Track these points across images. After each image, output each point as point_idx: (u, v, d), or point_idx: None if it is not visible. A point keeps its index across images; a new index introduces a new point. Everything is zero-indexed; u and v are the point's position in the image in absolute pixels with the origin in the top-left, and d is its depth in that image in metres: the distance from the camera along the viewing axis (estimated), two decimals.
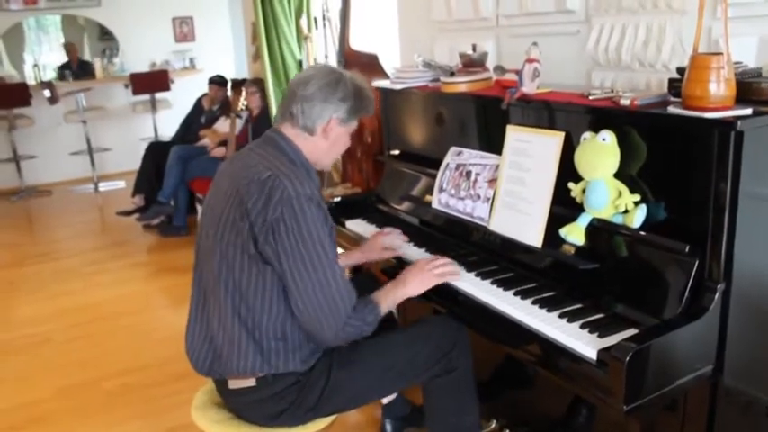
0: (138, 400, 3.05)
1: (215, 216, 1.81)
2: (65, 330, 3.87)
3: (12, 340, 3.78)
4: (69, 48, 7.99)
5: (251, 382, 1.81)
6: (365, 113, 1.95)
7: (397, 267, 2.21)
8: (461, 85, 2.32)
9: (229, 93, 5.87)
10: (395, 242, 2.31)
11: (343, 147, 1.98)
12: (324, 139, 1.88)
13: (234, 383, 1.83)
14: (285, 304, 1.77)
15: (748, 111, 1.51)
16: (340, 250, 2.78)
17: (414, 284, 1.94)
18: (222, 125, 5.64)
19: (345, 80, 1.86)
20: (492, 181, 2.14)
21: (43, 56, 8.06)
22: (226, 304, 1.77)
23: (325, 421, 1.90)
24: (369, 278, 2.39)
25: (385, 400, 2.39)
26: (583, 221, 1.82)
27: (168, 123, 7.22)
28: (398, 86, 2.63)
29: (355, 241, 2.56)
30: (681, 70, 1.70)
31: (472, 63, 2.46)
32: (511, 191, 2.06)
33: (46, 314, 4.13)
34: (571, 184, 1.87)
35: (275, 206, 1.68)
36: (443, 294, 1.99)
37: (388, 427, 2.42)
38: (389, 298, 1.90)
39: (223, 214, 1.77)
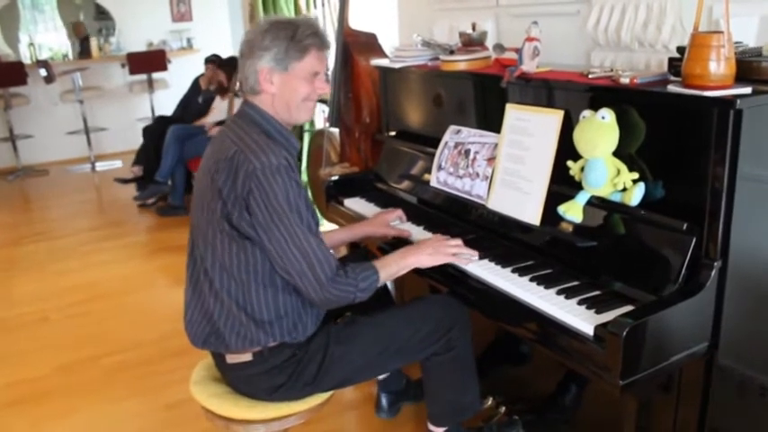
0: (136, 376, 3.07)
1: (198, 197, 1.84)
2: (63, 309, 3.88)
3: (10, 318, 3.79)
4: (77, 27, 7.93)
5: (248, 357, 1.83)
6: (303, 49, 1.80)
7: (395, 246, 2.22)
8: (460, 63, 2.32)
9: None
10: (400, 225, 2.31)
11: (303, 93, 1.84)
12: (273, 92, 1.82)
13: (231, 358, 1.85)
14: (273, 276, 1.79)
15: (748, 89, 1.51)
16: (335, 226, 2.80)
17: (426, 256, 1.94)
18: (219, 104, 5.63)
19: (276, 27, 1.80)
20: (491, 159, 2.14)
21: (39, 35, 8.00)
22: (215, 282, 1.80)
23: (322, 397, 1.92)
24: (366, 254, 2.39)
25: (380, 376, 2.41)
26: (581, 199, 1.82)
27: (165, 103, 7.19)
28: (397, 65, 2.63)
29: (353, 219, 2.56)
30: (681, 49, 1.70)
31: (472, 42, 2.46)
32: (509, 169, 2.06)
33: (44, 293, 4.14)
34: (570, 163, 1.88)
35: (243, 182, 1.69)
36: (441, 271, 2.00)
37: (384, 401, 2.43)
38: (395, 265, 1.90)
39: (203, 195, 1.79)
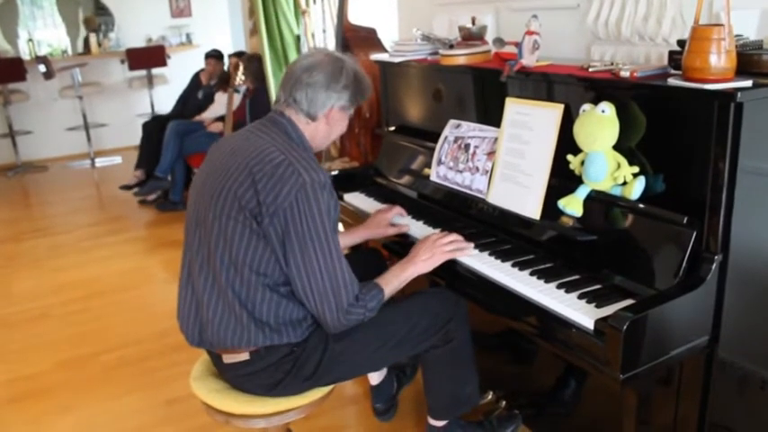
0: (136, 372, 3.07)
1: (214, 189, 1.79)
2: (63, 305, 3.88)
3: (10, 315, 3.79)
4: (89, 21, 7.93)
5: (245, 356, 1.82)
6: (363, 100, 1.99)
7: (400, 243, 2.22)
8: (460, 57, 2.31)
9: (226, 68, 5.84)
10: (401, 220, 2.31)
11: (341, 131, 2.01)
12: (325, 125, 1.92)
13: (228, 358, 1.84)
14: (279, 286, 1.78)
15: (748, 83, 1.51)
16: (340, 226, 2.80)
17: (424, 262, 1.96)
18: (221, 98, 5.62)
19: (347, 68, 1.90)
20: (491, 153, 2.14)
21: (38, 31, 7.99)
22: (221, 277, 1.78)
23: (323, 391, 1.92)
24: (372, 252, 2.39)
25: (373, 382, 2.40)
26: (581, 193, 1.82)
27: (165, 99, 7.18)
28: (397, 59, 2.62)
29: (353, 214, 2.56)
30: (681, 43, 1.70)
31: (471, 36, 2.45)
32: (509, 163, 2.06)
33: (44, 289, 4.14)
34: (570, 156, 1.87)
35: (289, 191, 1.69)
36: (442, 266, 2.00)
37: (380, 406, 2.43)
38: (397, 279, 1.92)
39: (225, 189, 1.76)
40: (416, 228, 2.26)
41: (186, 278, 1.91)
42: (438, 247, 1.97)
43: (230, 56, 5.85)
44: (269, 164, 1.72)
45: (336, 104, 1.89)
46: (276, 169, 1.71)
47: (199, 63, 6.19)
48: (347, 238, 2.31)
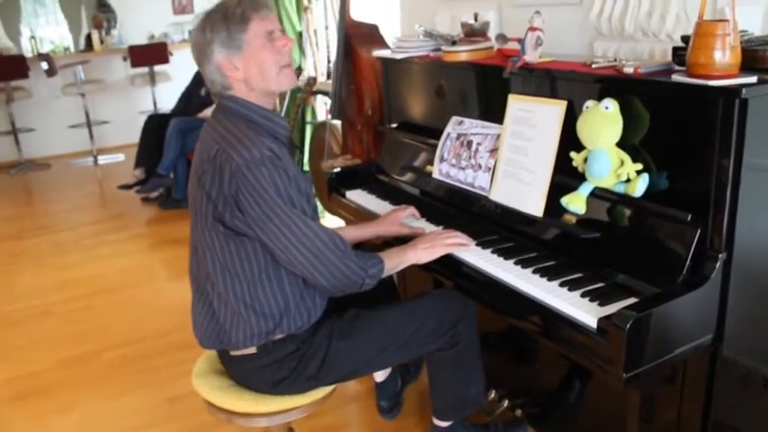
0: (139, 370, 3.07)
1: (191, 200, 1.80)
2: (66, 302, 3.88)
3: (13, 312, 3.79)
4: (96, 18, 7.92)
5: (252, 350, 1.82)
6: (242, 20, 1.73)
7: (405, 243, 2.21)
8: (463, 53, 2.30)
9: None
10: (415, 222, 2.26)
11: (271, 59, 1.76)
12: (240, 80, 1.76)
13: (235, 351, 1.84)
14: (277, 271, 1.77)
15: (753, 79, 1.49)
16: (342, 222, 2.79)
17: (422, 251, 1.93)
18: None
19: (208, 17, 1.74)
20: (493, 150, 2.13)
21: (40, 28, 7.99)
22: (218, 284, 1.78)
23: (325, 390, 1.91)
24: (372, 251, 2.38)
25: (378, 379, 2.39)
26: (584, 190, 1.81)
27: (167, 96, 7.17)
28: (399, 56, 2.61)
29: (356, 212, 2.55)
30: (686, 39, 1.68)
31: (474, 32, 2.43)
32: (512, 160, 2.05)
33: (47, 286, 4.14)
34: (573, 153, 1.86)
35: (229, 181, 1.65)
36: (444, 263, 1.99)
37: (384, 404, 2.42)
38: (395, 260, 1.89)
39: (192, 198, 1.77)
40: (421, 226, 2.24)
41: (194, 285, 1.90)
42: (439, 240, 1.96)
43: None
44: (207, 161, 1.69)
45: (220, 57, 1.72)
46: (214, 162, 1.67)
47: None
48: (356, 233, 2.23)
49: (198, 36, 1.76)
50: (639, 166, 1.71)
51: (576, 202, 1.82)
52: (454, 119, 2.34)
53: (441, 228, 2.16)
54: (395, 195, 2.49)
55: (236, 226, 1.70)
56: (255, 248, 1.74)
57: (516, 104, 2.06)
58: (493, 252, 1.95)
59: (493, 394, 2.37)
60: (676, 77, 1.59)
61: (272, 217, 1.67)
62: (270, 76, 1.77)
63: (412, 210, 2.28)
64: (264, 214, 1.67)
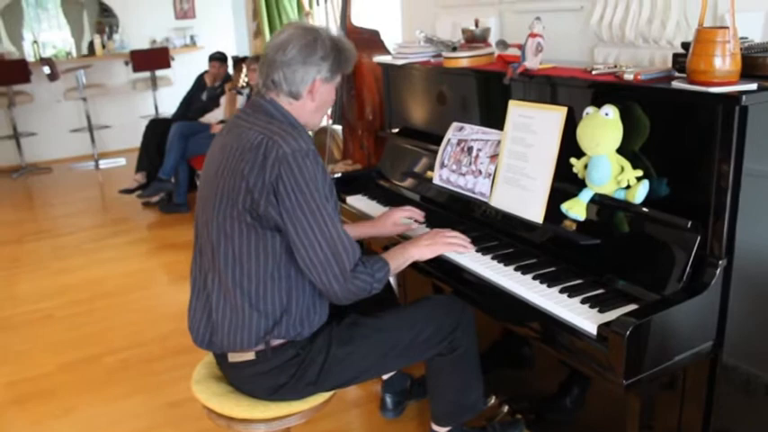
0: (138, 375, 3.07)
1: (210, 190, 1.79)
2: (66, 306, 3.88)
3: (13, 316, 3.79)
4: (99, 24, 7.96)
5: (250, 356, 1.81)
6: (347, 67, 1.89)
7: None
8: (463, 59, 2.30)
9: (231, 70, 5.85)
10: (411, 221, 2.26)
11: (330, 103, 1.93)
12: (310, 101, 1.83)
13: (233, 357, 1.83)
14: (288, 270, 1.76)
15: (753, 86, 1.50)
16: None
17: (425, 247, 1.93)
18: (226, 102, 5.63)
19: (322, 38, 1.80)
20: (494, 156, 2.13)
21: (42, 33, 8.01)
22: (227, 278, 1.76)
23: (324, 396, 1.91)
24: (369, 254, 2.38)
25: (385, 376, 2.40)
26: (584, 197, 1.81)
27: (169, 101, 7.19)
28: (400, 62, 2.61)
29: (356, 217, 2.55)
30: (686, 45, 1.69)
31: (474, 39, 2.44)
32: (512, 166, 2.05)
33: (47, 291, 4.14)
34: (573, 160, 1.86)
35: (272, 166, 1.66)
36: (444, 269, 1.99)
37: (389, 401, 2.43)
38: (399, 259, 1.89)
39: (218, 188, 1.76)
40: (419, 231, 2.24)
41: (196, 283, 1.90)
42: (441, 237, 1.96)
43: (212, 58, 5.88)
44: (249, 148, 1.70)
45: (318, 77, 1.80)
46: (257, 150, 1.68)
47: (203, 65, 6.20)
48: (353, 233, 2.21)
49: (309, 44, 1.78)
50: (639, 173, 1.71)
51: (576, 209, 1.82)
52: (455, 125, 2.34)
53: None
54: (395, 201, 2.50)
55: (268, 214, 1.69)
56: (275, 244, 1.73)
57: (517, 110, 2.06)
58: (493, 258, 1.95)
59: (493, 400, 2.37)
60: (676, 84, 1.59)
61: (305, 209, 1.67)
62: (317, 114, 1.89)
63: (410, 211, 2.27)
64: (299, 204, 1.67)
